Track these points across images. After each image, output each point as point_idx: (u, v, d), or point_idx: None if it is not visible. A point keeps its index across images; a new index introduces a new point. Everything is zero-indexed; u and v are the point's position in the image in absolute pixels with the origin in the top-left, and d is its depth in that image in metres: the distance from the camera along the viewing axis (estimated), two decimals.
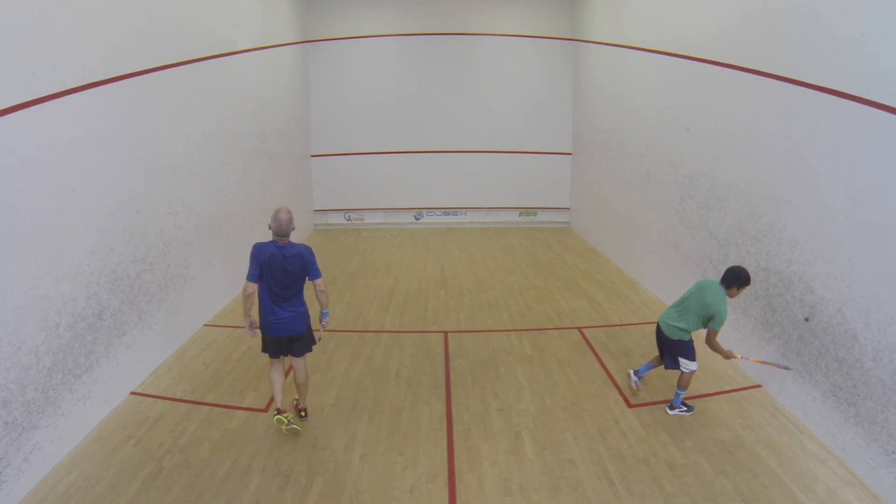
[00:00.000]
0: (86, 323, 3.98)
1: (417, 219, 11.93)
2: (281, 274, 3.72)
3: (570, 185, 11.59)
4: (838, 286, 3.70)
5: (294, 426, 3.84)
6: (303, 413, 4.14)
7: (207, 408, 4.30)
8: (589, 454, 3.68)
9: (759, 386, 4.55)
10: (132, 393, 4.50)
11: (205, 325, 6.01)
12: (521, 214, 11.91)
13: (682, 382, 4.15)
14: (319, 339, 4.09)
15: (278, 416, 3.77)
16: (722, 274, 4.04)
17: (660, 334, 4.24)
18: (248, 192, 7.53)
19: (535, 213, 11.88)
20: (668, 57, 6.44)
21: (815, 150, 3.95)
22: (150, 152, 4.94)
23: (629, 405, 4.30)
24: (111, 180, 4.34)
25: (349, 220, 11.89)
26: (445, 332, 5.83)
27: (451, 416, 4.17)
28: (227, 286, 6.71)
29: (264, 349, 3.96)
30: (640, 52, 7.43)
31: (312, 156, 11.38)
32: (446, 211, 11.93)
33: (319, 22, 10.96)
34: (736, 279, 3.95)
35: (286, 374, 4.19)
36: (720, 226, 5.33)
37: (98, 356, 4.12)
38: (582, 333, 5.75)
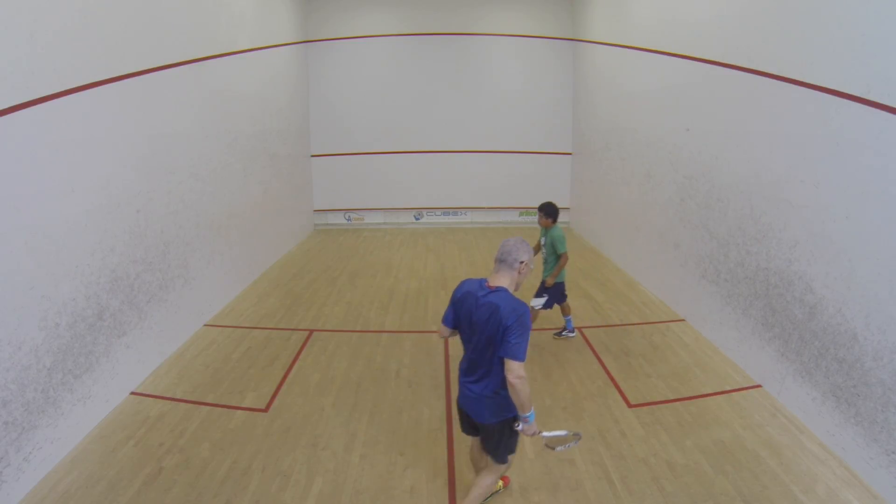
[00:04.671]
0: (86, 323, 3.98)
1: (417, 219, 11.93)
2: (467, 322, 2.66)
3: (570, 185, 11.59)
4: (838, 286, 3.70)
5: None
6: None
7: (207, 408, 4.30)
8: (589, 454, 3.67)
9: (759, 386, 4.55)
10: (132, 393, 4.50)
11: (205, 325, 6.01)
12: (521, 214, 11.91)
13: (566, 310, 5.55)
14: (538, 434, 2.70)
15: None
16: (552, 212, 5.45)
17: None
18: (248, 192, 7.53)
19: (536, 214, 11.86)
20: (668, 57, 6.44)
21: (815, 150, 3.95)
22: (150, 152, 4.94)
23: (629, 405, 4.30)
24: (111, 180, 4.34)
25: (349, 220, 11.89)
26: None
27: (451, 417, 4.16)
28: (227, 286, 6.71)
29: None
30: (640, 51, 7.42)
31: (312, 156, 11.38)
32: (446, 211, 11.93)
33: (319, 22, 10.97)
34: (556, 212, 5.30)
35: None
36: (720, 226, 5.33)
37: (98, 356, 4.12)
38: (582, 333, 5.75)
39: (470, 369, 2.74)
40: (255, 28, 7.96)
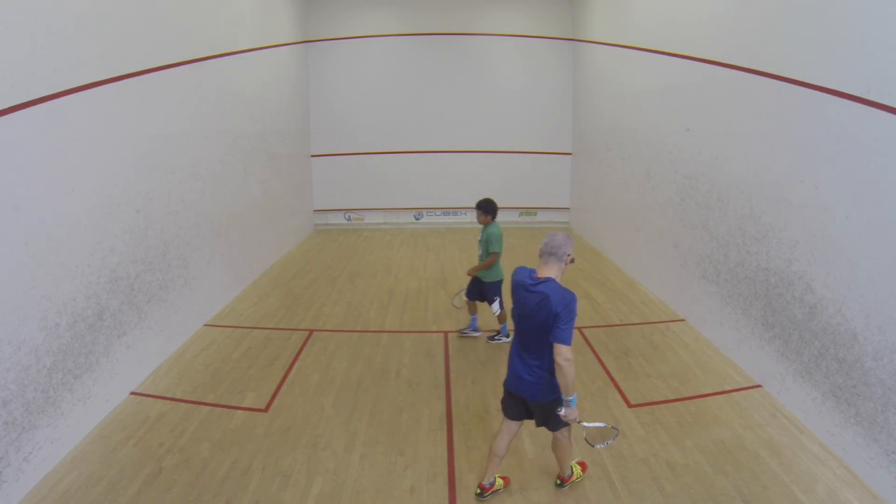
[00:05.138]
0: (86, 323, 3.98)
1: (417, 219, 11.93)
2: (519, 310, 2.93)
3: (570, 185, 11.59)
4: (838, 286, 3.70)
5: None
6: (558, 482, 3.35)
7: (207, 408, 4.30)
8: (589, 454, 3.67)
9: (759, 386, 4.55)
10: (132, 393, 4.50)
11: (205, 325, 6.01)
12: (521, 214, 11.91)
13: (502, 318, 5.42)
14: (579, 423, 2.95)
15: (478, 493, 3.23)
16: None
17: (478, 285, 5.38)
18: (248, 192, 7.53)
19: (535, 213, 11.88)
20: (668, 57, 6.43)
21: (815, 150, 3.95)
22: (150, 152, 4.94)
23: (629, 405, 4.30)
24: (111, 180, 4.34)
25: (349, 220, 11.89)
26: (445, 332, 5.83)
27: (451, 416, 4.17)
28: (227, 286, 6.71)
29: (502, 400, 3.23)
30: (640, 52, 7.42)
31: (312, 156, 11.37)
32: (446, 211, 11.93)
33: (319, 22, 10.97)
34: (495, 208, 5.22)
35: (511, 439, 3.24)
36: (720, 226, 5.33)
37: (98, 356, 4.12)
38: (582, 333, 5.75)
39: (523, 352, 2.96)
40: (255, 28, 7.96)
